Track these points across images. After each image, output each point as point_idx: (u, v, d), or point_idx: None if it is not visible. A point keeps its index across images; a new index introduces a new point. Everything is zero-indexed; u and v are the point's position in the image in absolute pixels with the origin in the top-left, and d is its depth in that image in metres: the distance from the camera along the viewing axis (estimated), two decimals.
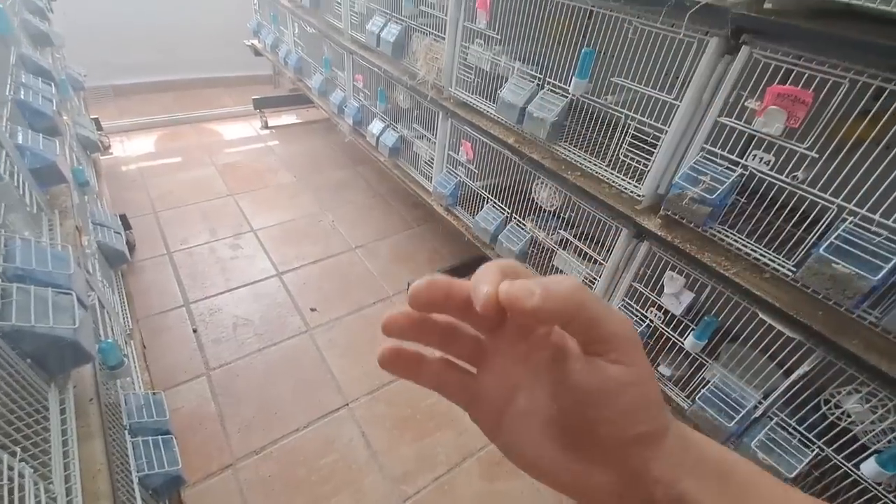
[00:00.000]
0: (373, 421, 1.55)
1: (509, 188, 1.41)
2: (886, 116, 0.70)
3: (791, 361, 0.88)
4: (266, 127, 3.17)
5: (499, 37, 1.23)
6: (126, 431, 0.79)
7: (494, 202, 1.45)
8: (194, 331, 1.80)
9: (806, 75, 0.72)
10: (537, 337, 0.24)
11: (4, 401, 0.47)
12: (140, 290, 1.90)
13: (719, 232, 0.89)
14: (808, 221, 0.81)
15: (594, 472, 0.23)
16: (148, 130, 2.97)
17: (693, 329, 0.97)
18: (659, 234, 0.93)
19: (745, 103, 0.79)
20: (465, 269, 2.02)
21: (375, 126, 1.89)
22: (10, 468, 0.42)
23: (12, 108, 0.96)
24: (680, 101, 0.88)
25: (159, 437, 0.84)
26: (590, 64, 1.01)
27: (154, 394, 0.95)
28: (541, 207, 1.31)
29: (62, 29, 2.00)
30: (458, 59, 1.38)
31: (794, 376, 0.87)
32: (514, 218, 1.40)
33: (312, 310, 1.94)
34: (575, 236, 1.23)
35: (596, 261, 1.17)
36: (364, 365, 1.73)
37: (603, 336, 0.20)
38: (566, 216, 1.26)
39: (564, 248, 1.26)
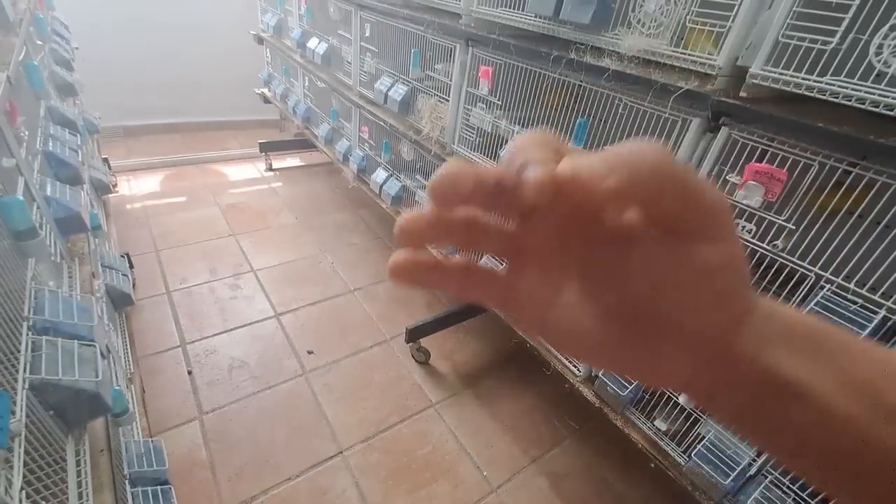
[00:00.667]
0: (367, 470, 1.53)
1: None
2: (856, 192, 0.78)
3: None
4: (270, 169, 3.26)
5: (500, 102, 1.32)
6: (126, 481, 0.79)
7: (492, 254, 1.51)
8: (189, 373, 1.79)
9: (780, 155, 0.80)
10: (585, 217, 0.20)
11: (31, 452, 0.49)
12: (137, 329, 1.90)
13: None
14: (791, 283, 0.86)
15: (664, 358, 0.20)
16: (155, 170, 3.05)
17: None
18: None
19: (727, 177, 0.87)
20: (459, 316, 2.05)
21: (379, 175, 1.97)
22: None
23: (42, 160, 1.01)
24: None
25: (158, 487, 0.84)
26: (584, 133, 1.09)
27: (154, 441, 0.95)
28: None
29: (82, 75, 2.11)
30: (461, 120, 1.47)
31: None
32: None
33: (309, 352, 1.94)
34: None
35: None
36: (359, 411, 1.72)
37: (699, 212, 0.17)
38: None
39: None
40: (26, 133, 0.94)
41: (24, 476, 0.49)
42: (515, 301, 0.23)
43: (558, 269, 0.22)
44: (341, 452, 1.58)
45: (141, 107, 3.29)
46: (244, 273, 2.32)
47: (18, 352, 0.54)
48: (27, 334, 0.57)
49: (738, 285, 0.19)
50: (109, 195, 2.35)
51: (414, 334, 1.89)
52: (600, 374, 1.16)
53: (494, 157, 1.39)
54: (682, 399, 1.01)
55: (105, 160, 2.51)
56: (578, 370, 1.27)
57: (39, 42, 1.49)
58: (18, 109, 0.88)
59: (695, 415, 1.03)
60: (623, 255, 0.20)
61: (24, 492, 0.44)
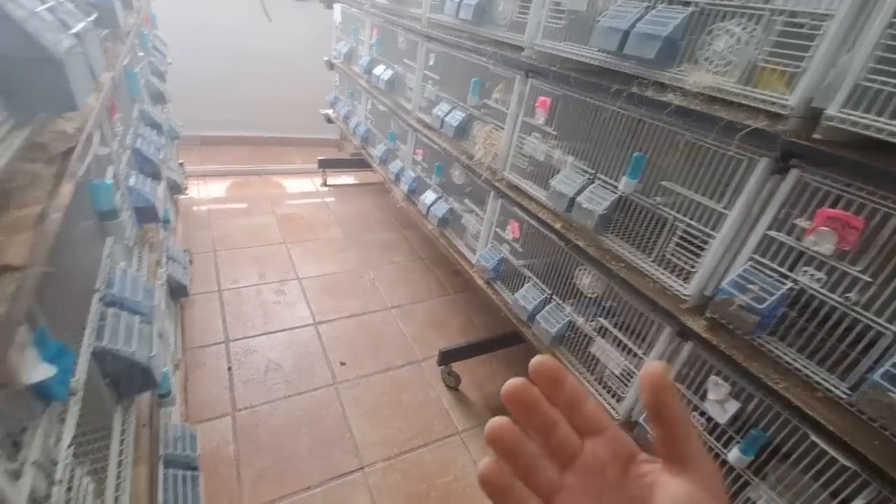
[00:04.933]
0: (386, 491, 1.50)
1: (552, 270, 1.44)
2: None
3: (846, 492, 0.81)
4: (325, 184, 3.42)
5: (555, 133, 1.33)
6: (161, 461, 0.82)
7: (536, 282, 1.48)
8: (228, 369, 1.85)
9: (857, 202, 0.74)
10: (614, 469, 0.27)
11: (83, 413, 0.52)
12: (188, 322, 2.01)
13: (768, 343, 0.87)
14: (863, 342, 0.79)
15: None
16: (223, 177, 3.28)
17: (738, 441, 0.92)
18: (704, 336, 0.93)
19: (795, 221, 0.82)
20: (494, 344, 2.02)
21: (428, 196, 2.02)
22: (80, 480, 0.46)
23: (130, 155, 1.12)
24: (729, 211, 0.91)
25: (188, 472, 0.86)
26: (641, 167, 1.07)
27: (189, 427, 0.99)
28: (581, 293, 1.33)
29: (172, 88, 2.33)
30: (514, 148, 1.49)
31: None
32: (554, 300, 1.42)
33: (342, 364, 1.97)
34: (614, 326, 1.23)
35: (635, 354, 1.16)
36: (384, 428, 1.71)
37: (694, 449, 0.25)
38: (607, 305, 1.27)
39: (603, 337, 1.25)
40: (121, 129, 1.05)
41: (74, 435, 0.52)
42: None
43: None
44: (362, 468, 1.56)
45: (218, 120, 3.59)
46: (290, 280, 2.41)
47: (87, 319, 0.58)
48: (97, 304, 0.63)
49: None
50: (180, 196, 2.54)
51: (447, 357, 1.87)
52: (640, 420, 1.09)
53: (544, 186, 1.39)
54: (731, 457, 0.93)
55: (181, 164, 2.73)
56: (618, 413, 1.20)
57: (141, 54, 1.67)
58: (117, 107, 0.98)
59: (745, 477, 0.94)
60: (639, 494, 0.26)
61: (71, 448, 0.47)
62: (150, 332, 0.66)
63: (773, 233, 0.86)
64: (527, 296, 1.46)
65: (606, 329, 1.25)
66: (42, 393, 0.36)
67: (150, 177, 1.15)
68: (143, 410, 0.71)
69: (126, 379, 0.62)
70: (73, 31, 0.48)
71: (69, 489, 0.43)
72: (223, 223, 2.76)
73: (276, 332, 2.07)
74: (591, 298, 1.30)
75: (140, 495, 0.57)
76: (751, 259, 0.89)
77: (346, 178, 3.63)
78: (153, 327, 0.67)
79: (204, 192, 3.07)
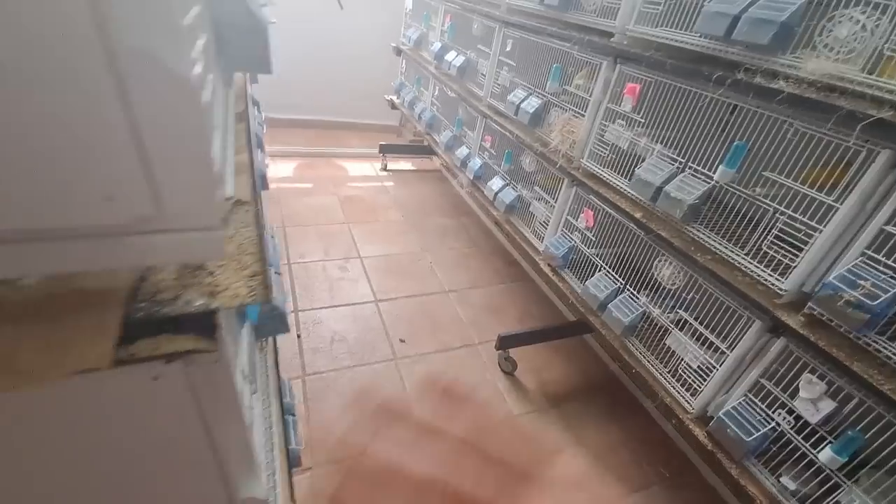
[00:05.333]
0: None
1: (626, 260, 1.43)
2: None
3: None
4: (385, 169, 3.52)
5: (643, 120, 1.32)
6: None
7: (608, 271, 1.48)
8: (298, 336, 1.97)
9: None
10: None
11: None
12: None
13: (875, 342, 0.84)
14: None
15: None
16: (291, 158, 3.44)
17: (831, 442, 0.90)
18: (802, 332, 0.90)
19: None
20: (554, 333, 2.02)
21: (496, 183, 2.04)
22: (251, 397, 0.52)
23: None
24: (840, 204, 0.88)
25: (289, 416, 0.95)
26: (740, 156, 1.05)
27: (284, 379, 1.07)
28: (658, 284, 1.31)
29: None
30: (594, 135, 1.48)
31: None
32: (628, 289, 1.41)
33: (401, 341, 2.04)
34: (694, 319, 1.21)
35: (717, 348, 1.14)
36: None
37: None
38: (687, 297, 1.25)
39: (681, 329, 1.24)
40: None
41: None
42: None
43: None
44: None
45: (285, 103, 3.75)
46: (352, 258, 2.51)
47: None
48: None
49: None
50: None
51: (505, 342, 1.90)
52: (720, 414, 1.08)
53: (625, 175, 1.38)
54: (822, 457, 0.90)
55: None
56: (692, 406, 1.19)
57: None
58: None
59: (835, 479, 0.91)
60: None
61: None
62: (280, 282, 0.73)
63: (890, 228, 0.82)
64: (599, 284, 1.46)
65: (685, 322, 1.23)
66: (242, 314, 0.42)
67: (258, 149, 1.24)
68: (269, 349, 0.79)
69: (268, 321, 0.70)
70: (263, 4, 0.55)
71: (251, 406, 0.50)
72: (291, 201, 2.91)
73: (341, 306, 2.17)
74: (668, 290, 1.29)
75: (278, 422, 0.64)
76: (863, 254, 0.86)
77: (405, 164, 3.71)
78: (281, 278, 0.74)
79: (273, 171, 3.23)
